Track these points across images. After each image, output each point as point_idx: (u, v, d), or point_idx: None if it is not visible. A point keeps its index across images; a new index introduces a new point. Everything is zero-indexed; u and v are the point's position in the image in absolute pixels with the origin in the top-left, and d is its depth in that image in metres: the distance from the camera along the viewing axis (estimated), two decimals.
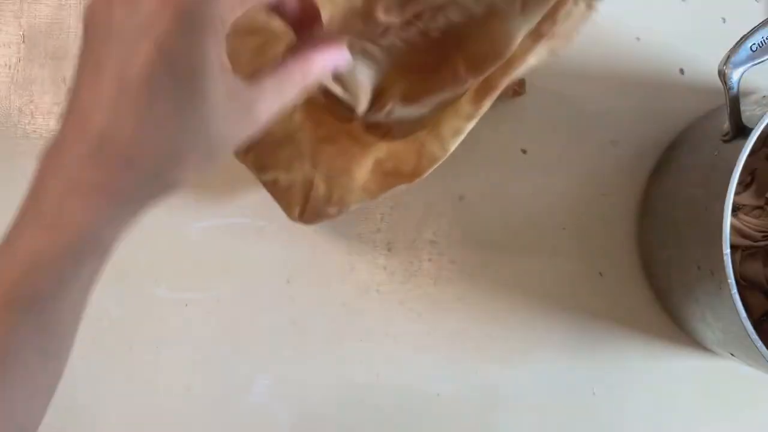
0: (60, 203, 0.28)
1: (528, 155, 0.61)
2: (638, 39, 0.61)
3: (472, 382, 0.59)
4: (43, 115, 0.60)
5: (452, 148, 0.44)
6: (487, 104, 0.42)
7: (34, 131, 0.60)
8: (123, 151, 0.26)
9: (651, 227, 0.57)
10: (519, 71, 0.41)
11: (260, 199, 0.59)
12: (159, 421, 0.58)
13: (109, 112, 0.26)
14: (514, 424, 0.59)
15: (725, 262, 0.44)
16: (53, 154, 0.28)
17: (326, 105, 0.45)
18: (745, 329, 0.44)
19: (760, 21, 0.46)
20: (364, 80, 0.41)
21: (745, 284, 0.56)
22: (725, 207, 0.44)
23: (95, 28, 0.26)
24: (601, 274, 0.60)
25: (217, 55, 0.26)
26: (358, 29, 0.36)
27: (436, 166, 0.44)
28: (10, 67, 0.60)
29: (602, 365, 0.60)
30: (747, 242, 0.58)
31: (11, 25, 0.61)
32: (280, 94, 0.29)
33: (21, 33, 0.61)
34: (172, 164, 0.27)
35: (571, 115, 0.61)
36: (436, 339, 0.60)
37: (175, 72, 0.25)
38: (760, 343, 0.44)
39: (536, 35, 0.41)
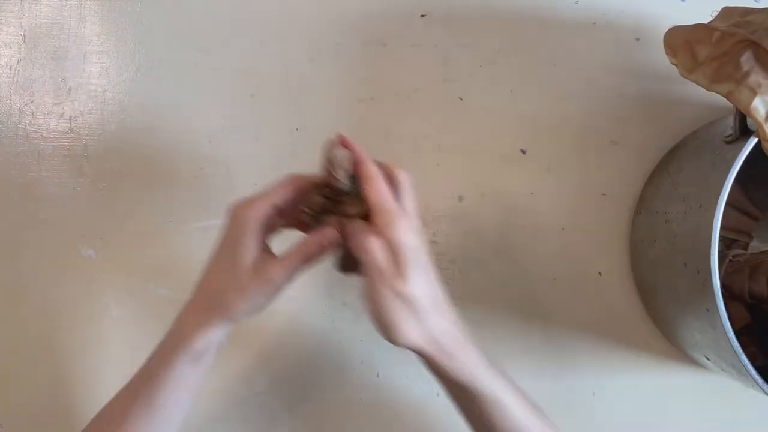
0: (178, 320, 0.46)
1: (528, 155, 0.61)
2: (638, 39, 0.61)
3: None
4: (44, 116, 0.60)
5: None
6: None
7: (35, 131, 0.60)
8: (201, 288, 0.46)
9: (643, 225, 0.58)
10: None
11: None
12: None
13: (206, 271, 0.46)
14: None
15: (711, 257, 0.44)
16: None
17: None
18: (722, 325, 0.44)
19: None
20: None
21: (728, 295, 0.56)
22: (719, 203, 0.44)
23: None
24: (600, 273, 0.60)
25: (252, 241, 0.44)
26: None
27: None
28: (11, 67, 0.61)
29: (602, 365, 0.60)
30: (736, 236, 0.59)
31: (12, 25, 0.61)
32: (285, 265, 0.44)
33: (22, 33, 0.61)
34: (221, 297, 0.44)
35: (571, 115, 0.61)
36: None
37: (228, 249, 0.45)
38: (735, 342, 0.44)
39: None
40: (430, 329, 0.42)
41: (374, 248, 0.41)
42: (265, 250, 0.45)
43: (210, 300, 0.45)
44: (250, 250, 0.44)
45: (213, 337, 0.45)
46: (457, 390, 0.45)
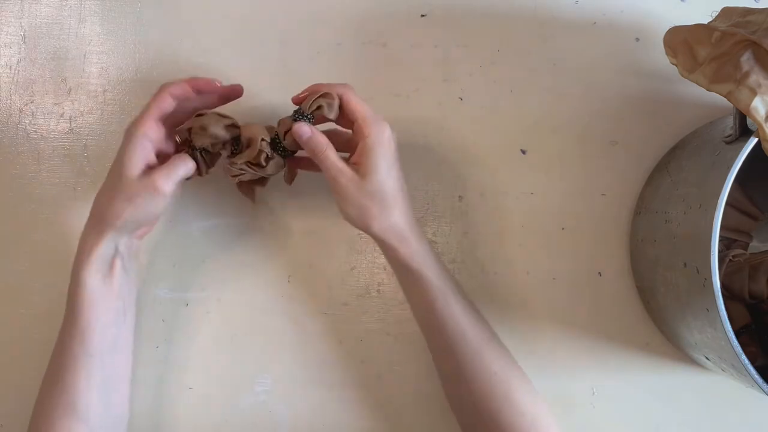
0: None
1: (528, 155, 0.61)
2: (638, 39, 0.61)
3: None
4: (44, 116, 0.60)
5: None
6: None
7: (35, 131, 0.60)
8: (95, 205, 0.51)
9: (643, 225, 0.58)
10: None
11: (260, 199, 0.59)
12: (160, 419, 0.58)
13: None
14: None
15: (712, 257, 0.44)
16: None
17: None
18: (722, 325, 0.44)
19: None
20: None
21: (728, 295, 0.56)
22: (719, 204, 0.44)
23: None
24: (600, 273, 0.60)
25: (137, 153, 0.48)
26: None
27: None
28: (11, 67, 0.61)
29: (602, 365, 0.60)
30: (736, 236, 0.59)
31: (12, 25, 0.61)
32: (167, 173, 0.48)
33: (22, 33, 0.61)
34: (111, 205, 0.49)
35: (571, 115, 0.61)
36: None
37: (117, 164, 0.49)
38: (735, 342, 0.45)
39: None
40: (391, 221, 0.50)
41: (334, 158, 0.49)
42: (151, 163, 0.50)
43: (101, 212, 0.49)
44: (135, 162, 0.48)
45: (107, 246, 0.50)
46: (407, 274, 0.51)
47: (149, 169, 0.49)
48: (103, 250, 0.50)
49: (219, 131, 0.51)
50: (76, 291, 0.50)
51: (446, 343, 0.51)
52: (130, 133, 0.49)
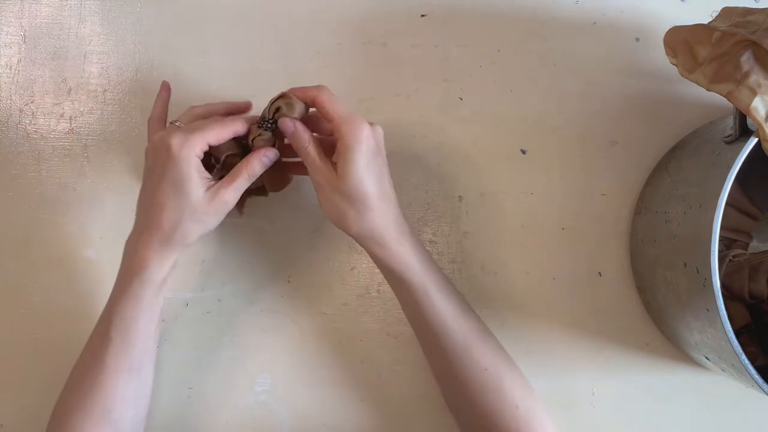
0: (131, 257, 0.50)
1: (528, 155, 0.61)
2: (638, 39, 0.61)
3: None
4: (44, 116, 0.60)
5: None
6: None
7: (35, 131, 0.60)
8: (154, 225, 0.49)
9: (643, 225, 0.58)
10: None
11: (260, 199, 0.59)
12: (161, 419, 0.58)
13: (150, 208, 0.50)
14: None
15: (712, 257, 0.44)
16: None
17: None
18: (722, 325, 0.44)
19: None
20: None
21: (728, 295, 0.56)
22: (719, 204, 0.44)
23: (147, 162, 0.51)
24: (600, 273, 0.60)
25: (193, 171, 0.48)
26: None
27: None
28: (11, 67, 0.61)
29: (602, 365, 0.60)
30: (736, 236, 0.59)
31: (12, 25, 0.61)
32: (234, 186, 0.49)
33: (22, 33, 0.61)
34: (178, 228, 0.49)
35: (571, 115, 0.61)
36: None
37: (174, 186, 0.48)
38: (735, 342, 0.45)
39: None
40: (368, 224, 0.49)
41: (315, 154, 0.49)
42: (207, 177, 0.50)
43: (166, 233, 0.49)
44: (199, 185, 0.48)
45: (170, 264, 0.50)
46: (389, 275, 0.51)
47: (209, 183, 0.49)
48: (167, 269, 0.50)
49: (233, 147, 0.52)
50: (127, 305, 0.49)
51: (433, 342, 0.51)
52: (185, 158, 0.48)
